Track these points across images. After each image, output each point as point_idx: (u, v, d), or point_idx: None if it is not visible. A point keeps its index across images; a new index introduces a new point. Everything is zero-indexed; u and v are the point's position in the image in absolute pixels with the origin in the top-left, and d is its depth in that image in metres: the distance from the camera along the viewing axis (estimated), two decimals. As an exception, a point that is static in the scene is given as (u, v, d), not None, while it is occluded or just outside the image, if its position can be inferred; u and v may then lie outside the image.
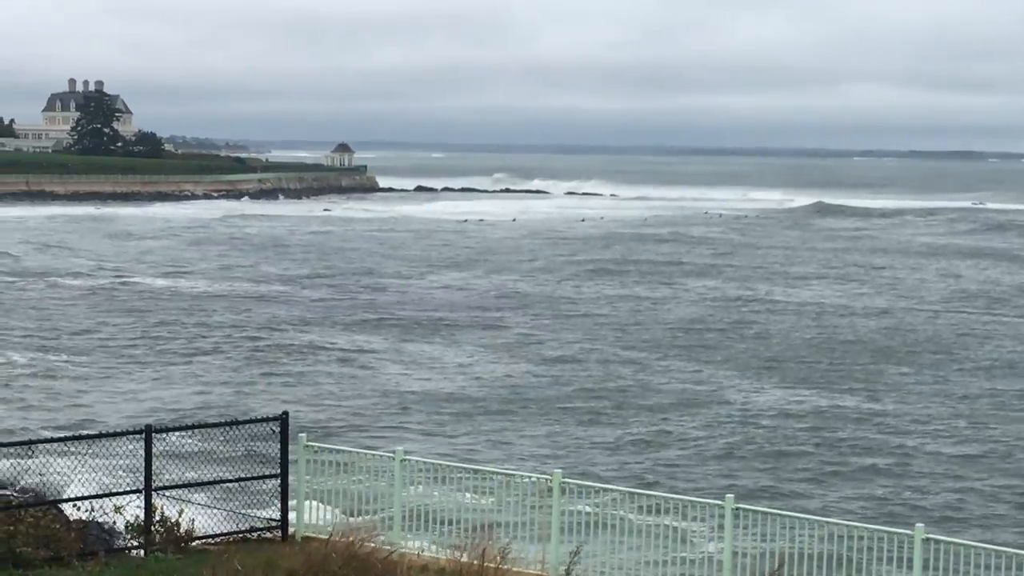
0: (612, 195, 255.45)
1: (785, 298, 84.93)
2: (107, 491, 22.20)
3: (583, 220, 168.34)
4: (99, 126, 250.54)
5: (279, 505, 22.87)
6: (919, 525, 19.12)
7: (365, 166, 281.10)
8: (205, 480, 22.76)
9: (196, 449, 22.78)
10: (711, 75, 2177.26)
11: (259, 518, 22.93)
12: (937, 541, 19.02)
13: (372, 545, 19.20)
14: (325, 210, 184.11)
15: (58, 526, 20.85)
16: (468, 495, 22.46)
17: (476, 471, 23.00)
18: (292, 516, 22.89)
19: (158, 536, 21.67)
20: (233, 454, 23.18)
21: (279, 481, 22.76)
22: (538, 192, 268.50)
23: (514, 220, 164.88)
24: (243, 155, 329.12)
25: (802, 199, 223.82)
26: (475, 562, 14.84)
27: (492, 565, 14.76)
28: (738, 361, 60.25)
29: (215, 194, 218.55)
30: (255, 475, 22.85)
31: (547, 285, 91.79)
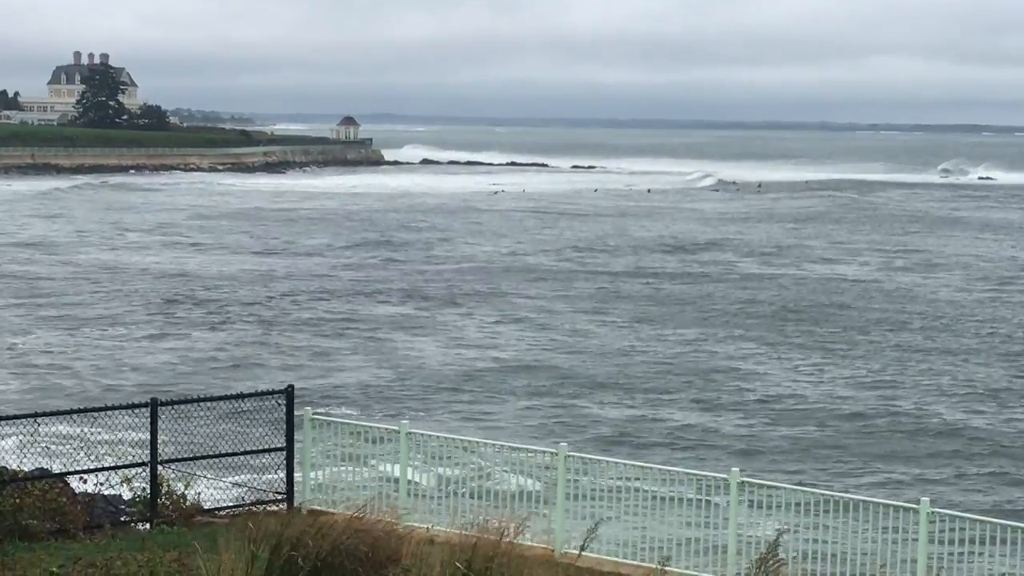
0: (619, 169, 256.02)
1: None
2: (113, 464, 22.23)
3: (596, 190, 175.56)
4: (104, 99, 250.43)
5: (284, 478, 22.91)
6: (924, 499, 19.13)
7: (371, 139, 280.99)
8: (211, 453, 22.78)
9: (202, 422, 22.77)
10: (741, 48, 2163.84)
11: (265, 491, 22.97)
12: (942, 515, 19.03)
13: (377, 518, 19.22)
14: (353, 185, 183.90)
15: (64, 499, 20.85)
16: (473, 469, 22.50)
17: (481, 445, 23.03)
18: (298, 489, 22.93)
19: (164, 509, 21.71)
20: (239, 427, 23.20)
21: (285, 454, 22.81)
22: (542, 166, 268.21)
23: (523, 191, 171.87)
24: (248, 128, 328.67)
25: (705, 171, 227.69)
26: (488, 537, 14.80)
27: (506, 540, 14.74)
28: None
29: (220, 167, 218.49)
30: (261, 448, 22.88)
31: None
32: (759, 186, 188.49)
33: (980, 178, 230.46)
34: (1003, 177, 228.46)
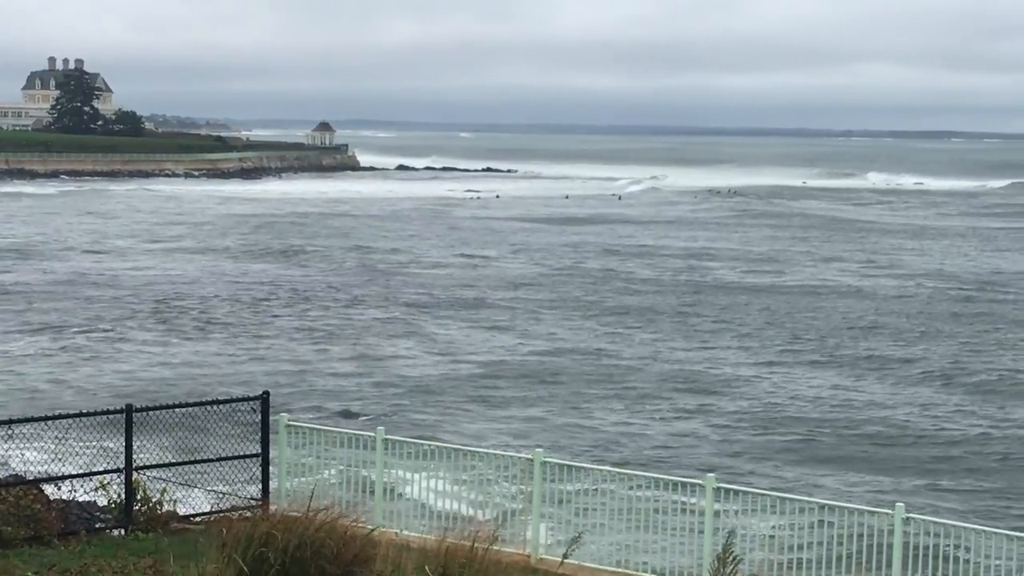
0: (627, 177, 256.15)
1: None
2: (88, 470, 22.13)
3: (567, 196, 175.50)
4: (78, 105, 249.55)
5: (260, 484, 22.86)
6: (899, 504, 19.20)
7: (347, 145, 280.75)
8: (186, 459, 22.72)
9: (177, 428, 22.72)
10: (727, 54, 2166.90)
11: (240, 497, 22.90)
12: (917, 521, 19.11)
13: (352, 522, 19.20)
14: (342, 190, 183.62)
15: (39, 506, 20.75)
16: (449, 474, 22.48)
17: (457, 450, 23.02)
18: (273, 495, 22.87)
19: (140, 515, 21.63)
20: (215, 433, 23.12)
21: (260, 460, 22.77)
22: (509, 171, 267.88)
23: (497, 196, 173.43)
24: (224, 134, 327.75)
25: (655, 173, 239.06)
26: (463, 542, 14.80)
27: (481, 546, 14.74)
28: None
29: (195, 173, 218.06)
30: (236, 454, 22.81)
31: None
32: (732, 192, 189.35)
33: (900, 184, 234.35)
34: (932, 184, 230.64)
